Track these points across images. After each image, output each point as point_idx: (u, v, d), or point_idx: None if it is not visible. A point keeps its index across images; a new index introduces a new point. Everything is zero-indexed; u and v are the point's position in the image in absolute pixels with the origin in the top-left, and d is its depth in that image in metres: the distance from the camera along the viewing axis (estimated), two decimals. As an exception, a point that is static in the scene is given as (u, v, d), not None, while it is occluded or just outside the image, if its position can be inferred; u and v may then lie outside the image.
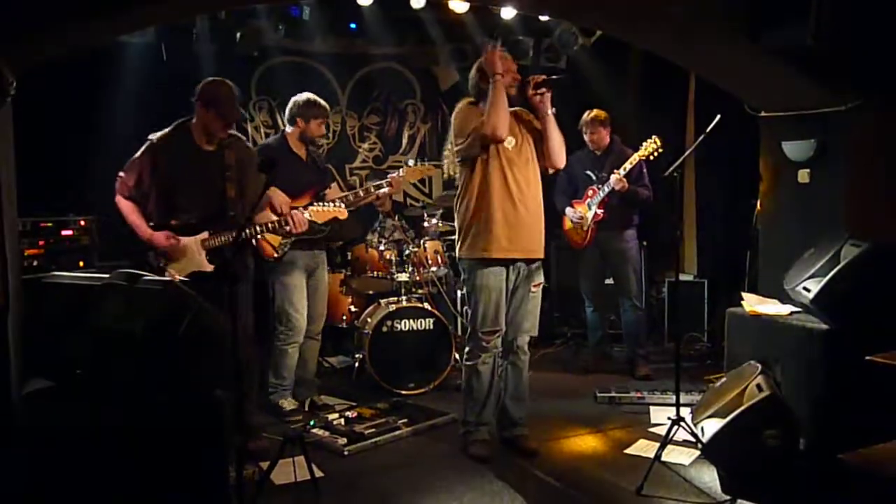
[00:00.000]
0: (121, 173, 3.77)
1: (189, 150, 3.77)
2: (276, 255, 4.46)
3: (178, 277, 3.65)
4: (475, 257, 3.88)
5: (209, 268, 3.77)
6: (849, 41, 3.70)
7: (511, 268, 3.90)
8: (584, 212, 5.47)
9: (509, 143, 3.87)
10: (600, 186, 5.38)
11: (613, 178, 5.24)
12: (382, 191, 4.59)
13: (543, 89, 3.85)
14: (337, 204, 4.28)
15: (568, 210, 5.56)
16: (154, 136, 3.77)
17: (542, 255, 3.98)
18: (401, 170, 4.63)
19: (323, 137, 4.69)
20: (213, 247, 3.78)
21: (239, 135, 3.93)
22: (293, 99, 4.63)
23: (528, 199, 3.88)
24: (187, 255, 3.75)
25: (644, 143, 5.24)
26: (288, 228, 4.02)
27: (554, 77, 3.88)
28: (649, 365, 5.48)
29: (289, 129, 4.63)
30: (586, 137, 5.55)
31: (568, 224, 5.62)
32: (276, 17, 5.92)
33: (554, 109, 3.90)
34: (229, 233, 3.76)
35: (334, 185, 4.83)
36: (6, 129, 3.22)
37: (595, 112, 5.53)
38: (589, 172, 5.49)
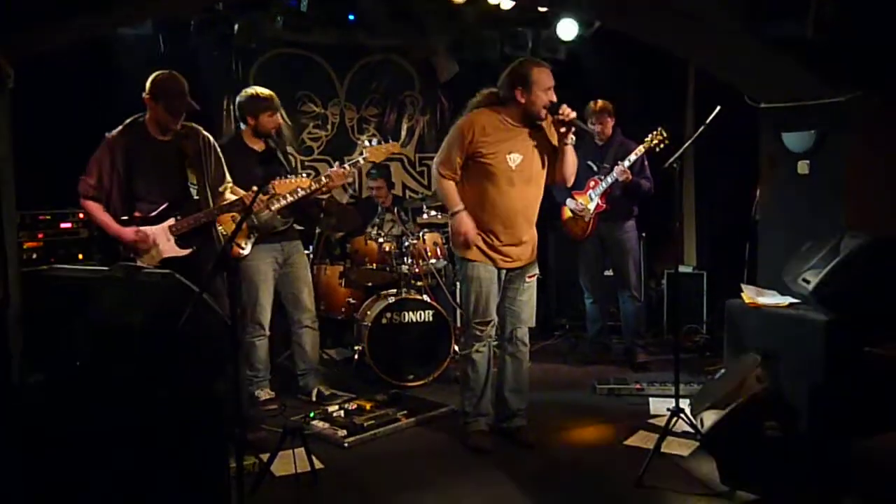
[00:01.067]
0: (81, 176, 3.85)
1: (144, 141, 3.85)
2: (242, 252, 4.34)
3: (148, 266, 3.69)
4: (465, 257, 3.94)
5: (181, 252, 3.84)
6: (848, 32, 3.70)
7: (501, 269, 3.95)
8: (585, 202, 5.45)
9: (514, 161, 3.82)
10: (603, 177, 5.36)
11: (618, 169, 5.23)
12: (334, 181, 4.42)
13: (567, 128, 3.80)
14: (298, 176, 4.23)
15: (568, 201, 5.54)
16: (109, 134, 3.85)
17: (531, 261, 4.01)
18: (361, 154, 4.45)
19: (276, 128, 4.60)
20: (181, 231, 3.84)
21: (194, 125, 3.98)
22: (237, 98, 4.60)
23: (518, 219, 3.88)
24: (157, 245, 3.81)
25: (649, 135, 5.22)
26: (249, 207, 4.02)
27: (583, 127, 3.91)
28: (647, 353, 5.48)
29: (242, 126, 4.60)
30: (591, 127, 5.51)
31: (567, 214, 5.60)
32: (275, 8, 5.90)
33: (574, 140, 3.87)
34: (197, 217, 3.84)
35: (291, 177, 4.68)
36: (5, 121, 3.21)
37: (602, 102, 5.49)
38: (590, 163, 5.47)
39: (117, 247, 3.80)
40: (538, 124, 3.89)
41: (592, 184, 5.43)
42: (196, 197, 3.89)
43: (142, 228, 3.78)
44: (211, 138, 4.05)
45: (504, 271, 3.95)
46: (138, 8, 3.70)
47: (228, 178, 4.13)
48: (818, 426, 3.50)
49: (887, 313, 3.30)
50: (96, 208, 3.83)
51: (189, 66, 4.97)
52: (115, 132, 3.85)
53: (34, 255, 4.61)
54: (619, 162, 5.25)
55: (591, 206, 5.42)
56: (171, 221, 3.83)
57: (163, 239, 3.82)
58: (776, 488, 3.33)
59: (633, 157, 5.23)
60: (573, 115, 3.77)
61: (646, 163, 5.39)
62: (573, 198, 5.52)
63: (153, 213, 3.83)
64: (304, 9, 5.77)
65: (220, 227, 4.10)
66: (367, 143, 4.51)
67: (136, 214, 3.82)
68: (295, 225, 4.75)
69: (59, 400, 2.61)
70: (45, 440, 2.49)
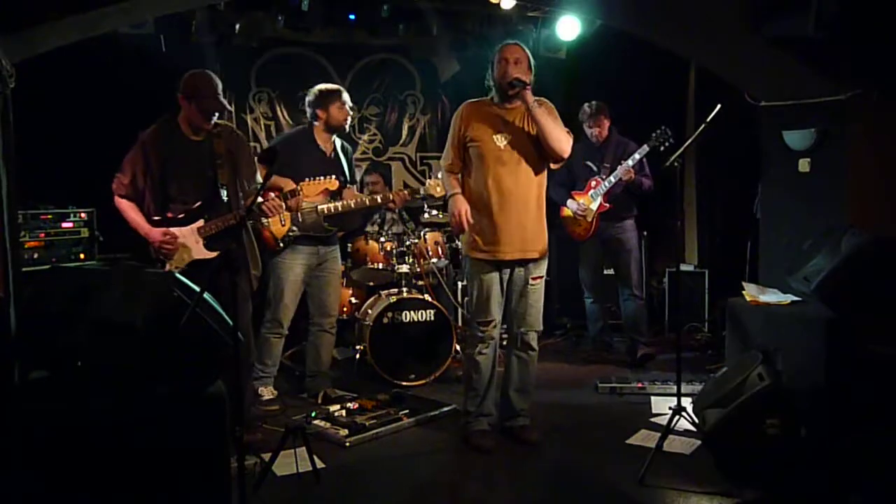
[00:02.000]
0: (116, 174, 3.83)
1: (177, 141, 3.83)
2: (278, 246, 4.45)
3: (176, 268, 3.69)
4: (470, 255, 3.94)
5: (209, 255, 3.81)
6: (849, 31, 3.69)
7: (504, 267, 3.90)
8: (587, 203, 5.44)
9: (500, 141, 3.83)
10: (604, 177, 5.35)
11: (622, 168, 5.20)
12: (394, 201, 4.68)
13: (512, 88, 3.78)
14: (328, 177, 4.27)
15: (569, 202, 5.53)
16: (143, 133, 3.83)
17: (539, 254, 3.92)
18: (425, 186, 4.72)
19: (346, 121, 4.65)
20: (209, 234, 3.82)
21: (228, 123, 3.98)
22: (311, 90, 4.64)
23: (516, 200, 3.83)
24: (185, 246, 3.78)
25: (653, 134, 5.17)
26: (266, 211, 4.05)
27: (516, 81, 3.74)
28: (648, 347, 5.48)
29: (315, 123, 4.63)
30: (588, 130, 5.52)
31: (567, 214, 5.59)
32: (276, 7, 5.90)
33: (535, 103, 3.77)
34: (225, 218, 3.81)
35: (353, 187, 4.82)
36: (6, 119, 3.21)
37: (597, 103, 5.51)
38: (589, 163, 5.47)
39: (147, 246, 3.78)
40: (519, 109, 3.86)
41: (594, 183, 5.42)
42: (226, 199, 3.85)
43: (170, 230, 3.76)
44: (243, 137, 4.04)
45: (507, 271, 3.91)
46: (140, 7, 3.70)
47: (260, 177, 4.08)
48: (820, 424, 3.50)
49: (888, 312, 3.30)
50: (129, 206, 3.81)
51: (190, 65, 4.96)
52: (148, 131, 3.83)
53: (35, 255, 4.61)
54: (623, 161, 5.24)
55: (594, 206, 5.41)
56: (201, 223, 3.81)
57: (191, 241, 3.80)
58: (778, 486, 3.33)
59: (637, 155, 5.20)
60: (512, 75, 3.75)
61: (645, 160, 5.37)
62: (574, 199, 5.51)
63: (183, 214, 3.80)
64: (305, 8, 5.77)
65: (264, 219, 4.20)
66: (429, 178, 4.66)
67: (169, 215, 3.80)
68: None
69: (58, 398, 2.61)
70: (43, 438, 2.48)
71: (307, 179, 4.23)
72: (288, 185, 4.17)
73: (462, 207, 3.84)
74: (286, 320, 4.62)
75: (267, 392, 4.65)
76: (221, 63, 6.08)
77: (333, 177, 4.32)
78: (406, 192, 4.73)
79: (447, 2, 6.08)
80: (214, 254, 3.81)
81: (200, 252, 3.80)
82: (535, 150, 3.87)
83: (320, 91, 4.60)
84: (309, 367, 4.82)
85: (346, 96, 4.63)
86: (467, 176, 3.94)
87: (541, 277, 3.98)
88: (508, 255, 3.86)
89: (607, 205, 5.39)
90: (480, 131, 3.85)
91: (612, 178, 5.28)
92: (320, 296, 4.72)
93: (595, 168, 5.44)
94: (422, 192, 4.75)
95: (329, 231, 4.60)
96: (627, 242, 5.49)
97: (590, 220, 5.45)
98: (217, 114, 3.82)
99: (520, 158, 3.85)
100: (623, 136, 5.56)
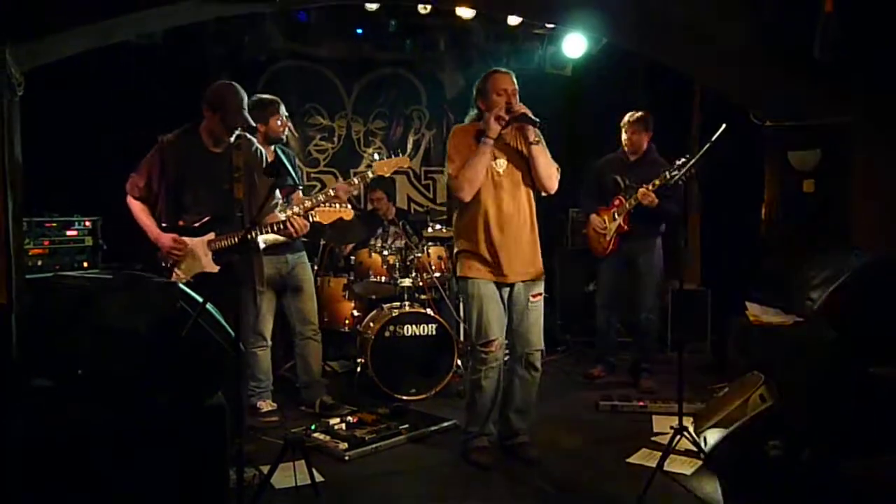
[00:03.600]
0: (132, 174, 3.80)
1: (197, 151, 3.79)
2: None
3: (182, 278, 3.68)
4: (465, 276, 3.91)
5: (214, 269, 3.78)
6: (855, 54, 3.71)
7: (503, 287, 3.90)
8: (608, 221, 5.38)
9: (500, 165, 3.84)
10: (627, 198, 5.22)
11: (641, 191, 5.05)
12: (356, 184, 4.55)
13: (519, 123, 3.79)
14: (343, 205, 4.26)
15: (593, 217, 5.45)
16: (163, 137, 3.79)
17: (536, 276, 3.93)
18: (368, 166, 4.52)
19: (284, 130, 4.59)
20: (218, 248, 3.79)
21: (249, 136, 3.92)
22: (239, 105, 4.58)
23: (513, 224, 3.84)
24: (194, 257, 3.76)
25: (677, 162, 4.85)
26: (290, 231, 4.00)
27: (530, 118, 3.75)
28: (653, 379, 5.41)
29: (252, 138, 4.58)
30: (624, 137, 5.36)
31: (591, 231, 5.52)
32: (284, 21, 5.94)
33: (539, 139, 3.81)
34: (235, 234, 3.76)
35: (300, 191, 4.66)
36: (15, 128, 3.23)
37: (640, 113, 5.32)
38: (618, 178, 5.35)
39: (156, 251, 3.75)
40: (513, 130, 3.88)
41: (617, 203, 5.29)
42: (239, 214, 3.75)
43: (180, 237, 3.73)
44: (263, 151, 3.97)
45: (507, 289, 3.91)
46: (149, 18, 3.73)
47: (279, 195, 4.02)
48: (822, 446, 3.48)
49: (892, 333, 3.28)
50: (140, 209, 3.79)
51: (198, 76, 5.00)
52: (169, 136, 3.79)
53: (39, 262, 4.62)
54: (645, 185, 5.06)
55: (613, 227, 5.33)
56: (212, 236, 3.77)
57: (200, 252, 3.76)
58: (779, 508, 3.30)
59: (657, 181, 4.98)
60: (522, 108, 3.75)
61: (681, 187, 5.10)
62: (598, 214, 5.44)
63: (195, 224, 3.77)
64: (313, 22, 5.80)
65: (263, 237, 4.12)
66: (375, 156, 4.53)
67: (180, 224, 3.76)
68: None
69: (59, 406, 2.61)
70: (44, 447, 2.48)
71: (322, 205, 4.02)
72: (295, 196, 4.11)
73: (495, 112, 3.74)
74: (267, 332, 4.63)
75: (265, 405, 4.64)
76: (229, 75, 6.12)
77: (348, 207, 4.13)
78: (354, 180, 4.55)
79: (454, 18, 6.11)
80: (218, 268, 3.78)
81: (208, 265, 3.77)
82: (530, 173, 3.90)
83: (257, 101, 4.47)
84: (300, 378, 4.81)
85: (282, 108, 4.56)
86: (462, 207, 3.91)
87: (540, 295, 3.97)
88: (508, 279, 3.87)
89: (626, 227, 5.25)
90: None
91: (632, 202, 5.15)
92: (296, 304, 4.71)
93: (622, 184, 5.31)
94: (370, 175, 4.53)
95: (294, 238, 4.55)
96: (649, 262, 5.34)
97: (608, 238, 5.37)
98: (238, 129, 3.77)
99: (518, 181, 3.87)
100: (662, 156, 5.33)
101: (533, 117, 3.76)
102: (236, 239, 3.73)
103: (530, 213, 3.93)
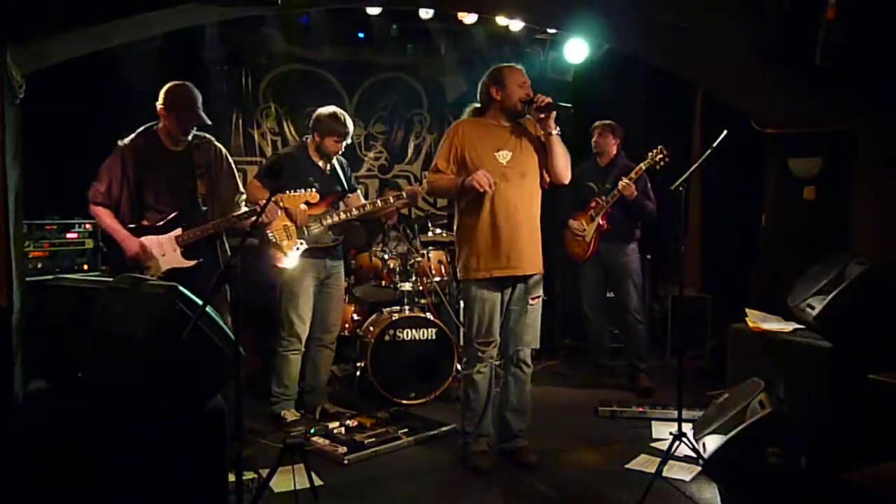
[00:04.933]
0: (92, 182, 3.88)
1: (156, 151, 3.89)
2: (283, 260, 4.45)
3: (153, 276, 3.74)
4: (468, 278, 3.91)
5: (187, 264, 3.87)
6: (856, 61, 3.71)
7: (505, 287, 3.91)
8: (585, 223, 5.46)
9: (504, 157, 3.85)
10: (604, 198, 5.36)
11: (621, 183, 5.17)
12: (401, 201, 4.69)
13: (547, 113, 3.81)
14: (308, 190, 4.23)
15: (571, 222, 5.54)
16: (122, 141, 3.89)
17: (537, 271, 3.94)
18: (420, 183, 4.64)
19: (336, 153, 4.64)
20: (187, 242, 3.87)
21: (207, 135, 4.02)
22: (318, 110, 4.62)
23: (519, 215, 3.85)
24: (163, 255, 3.84)
25: (650, 153, 5.19)
26: (263, 220, 4.03)
27: (560, 104, 3.80)
28: (650, 379, 5.44)
29: (308, 138, 4.64)
30: (592, 140, 5.55)
31: (569, 236, 5.60)
32: (285, 25, 5.94)
33: (558, 130, 3.85)
34: (204, 228, 3.87)
35: (356, 194, 4.83)
36: (15, 130, 3.23)
37: (606, 121, 5.54)
38: (591, 183, 5.48)
39: (122, 254, 3.83)
40: (521, 122, 3.92)
41: (594, 204, 5.42)
42: (204, 208, 3.91)
43: (144, 240, 3.81)
44: (224, 150, 4.07)
45: (508, 291, 3.92)
46: (149, 22, 3.73)
47: (242, 189, 4.15)
48: (821, 453, 3.48)
49: (892, 340, 3.28)
50: (105, 214, 3.87)
51: (199, 79, 4.98)
52: (127, 140, 3.88)
53: (39, 265, 4.61)
54: (623, 178, 5.21)
55: (592, 227, 5.42)
56: (178, 231, 3.85)
57: (168, 249, 3.85)
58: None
59: (634, 175, 5.19)
60: (548, 98, 3.78)
61: (649, 185, 5.37)
62: (575, 219, 5.52)
63: (160, 223, 3.85)
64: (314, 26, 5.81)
65: (270, 234, 4.29)
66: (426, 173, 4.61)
67: (144, 223, 3.85)
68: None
69: (58, 409, 2.61)
70: (43, 450, 2.48)
71: (287, 192, 4.15)
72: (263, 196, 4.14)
73: (481, 172, 3.74)
74: (303, 335, 4.63)
75: (290, 415, 4.63)
76: (230, 78, 6.14)
77: (314, 190, 4.21)
78: (402, 193, 4.73)
79: (455, 22, 6.11)
80: (192, 262, 3.88)
81: (178, 261, 3.86)
82: (537, 167, 3.92)
83: (328, 115, 4.55)
84: (307, 383, 4.81)
85: (350, 131, 4.58)
86: (466, 203, 3.91)
87: (539, 297, 4.00)
88: (515, 271, 3.86)
89: (605, 224, 5.38)
90: (480, 150, 3.85)
91: (609, 199, 5.28)
92: (323, 311, 4.72)
93: (596, 189, 5.44)
94: (420, 186, 4.72)
95: (336, 241, 4.61)
96: (629, 266, 5.47)
97: (588, 240, 5.46)
98: (195, 126, 3.86)
99: (524, 173, 3.88)
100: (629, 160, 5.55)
101: (564, 105, 3.80)
102: (203, 232, 3.84)
103: (537, 206, 3.96)
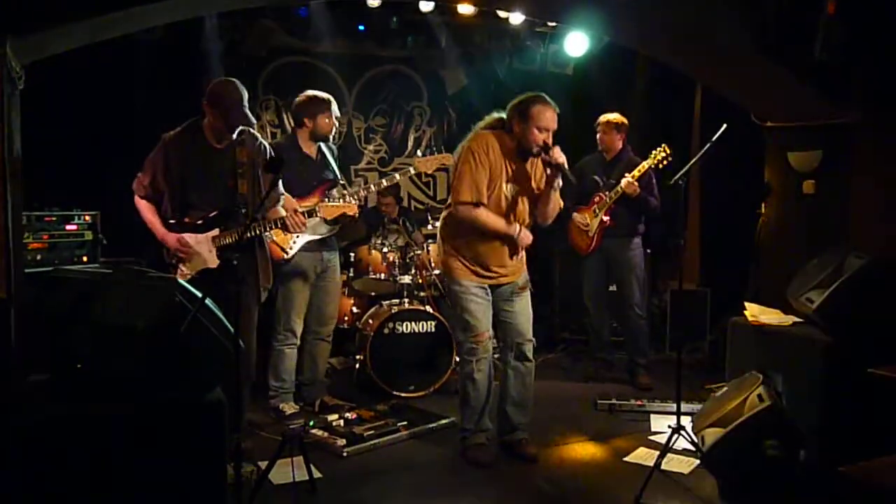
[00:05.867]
0: (138, 173, 3.80)
1: (200, 147, 3.78)
2: (285, 256, 4.44)
3: (187, 275, 3.70)
4: (454, 278, 3.93)
5: (216, 263, 3.78)
6: (856, 56, 3.71)
7: (491, 286, 3.95)
8: (589, 218, 5.44)
9: (509, 190, 3.86)
10: (607, 193, 5.34)
11: (624, 181, 5.16)
12: (396, 180, 4.65)
13: (553, 170, 3.78)
14: (347, 199, 4.27)
15: (575, 214, 5.53)
16: (166, 135, 3.79)
17: (522, 274, 4.01)
18: (412, 164, 4.58)
19: (332, 131, 4.62)
20: (222, 244, 3.79)
21: (252, 131, 3.91)
22: (295, 100, 4.60)
23: (512, 248, 3.90)
24: (199, 254, 3.77)
25: (653, 152, 5.17)
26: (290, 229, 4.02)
27: (567, 175, 3.75)
28: (650, 375, 5.44)
29: (300, 129, 4.60)
30: (598, 136, 5.51)
31: (573, 228, 5.60)
32: (285, 17, 5.93)
33: (560, 184, 3.85)
34: (239, 229, 3.76)
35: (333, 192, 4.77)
36: (15, 121, 3.23)
37: (614, 116, 5.46)
38: (596, 177, 5.45)
39: (161, 249, 3.78)
40: (531, 159, 3.90)
41: (597, 199, 5.40)
42: (243, 209, 3.79)
43: (184, 236, 3.73)
44: (267, 145, 3.96)
45: (494, 290, 3.96)
46: (148, 13, 3.72)
47: (282, 190, 4.03)
48: (820, 446, 3.49)
49: (890, 334, 3.29)
50: (147, 208, 3.80)
51: (198, 72, 4.99)
52: (172, 133, 3.78)
53: (39, 256, 4.61)
54: (627, 174, 5.20)
55: (595, 223, 5.40)
56: (216, 232, 3.78)
57: (205, 249, 3.77)
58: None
59: (637, 172, 5.17)
60: (561, 159, 3.73)
61: (654, 181, 5.35)
62: (579, 212, 5.52)
63: (200, 221, 3.78)
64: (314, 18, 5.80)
65: (271, 235, 4.18)
66: (419, 154, 4.56)
67: (186, 220, 3.77)
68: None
69: (58, 401, 2.61)
70: (42, 442, 2.48)
71: (326, 200, 4.18)
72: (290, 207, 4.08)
73: (528, 235, 3.90)
74: (298, 329, 4.63)
75: (289, 408, 4.63)
76: (229, 70, 6.12)
77: (353, 201, 4.27)
78: (396, 175, 4.65)
79: (456, 15, 6.10)
80: (218, 263, 3.79)
81: (212, 261, 3.78)
82: (533, 201, 3.96)
83: (310, 98, 4.53)
84: (305, 376, 4.81)
85: (334, 107, 4.58)
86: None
87: (525, 288, 4.03)
88: (500, 280, 3.93)
89: (607, 219, 5.36)
90: (496, 175, 3.81)
91: (612, 195, 5.26)
92: (320, 304, 4.72)
93: (601, 182, 5.43)
94: (412, 171, 4.55)
95: (331, 230, 4.59)
96: (632, 260, 5.45)
97: (591, 234, 5.44)
98: (239, 125, 3.76)
99: (522, 206, 3.92)
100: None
101: (570, 176, 3.79)
102: (239, 234, 3.74)
103: (528, 225, 3.99)
